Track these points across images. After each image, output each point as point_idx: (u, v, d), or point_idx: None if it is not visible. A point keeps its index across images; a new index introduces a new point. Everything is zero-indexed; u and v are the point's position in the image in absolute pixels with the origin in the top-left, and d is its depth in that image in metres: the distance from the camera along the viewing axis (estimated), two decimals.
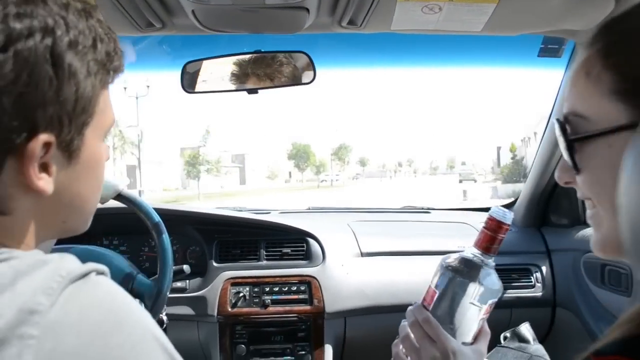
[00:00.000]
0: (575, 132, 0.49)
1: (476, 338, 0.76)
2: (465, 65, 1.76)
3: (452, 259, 0.74)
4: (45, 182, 0.46)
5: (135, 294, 1.20)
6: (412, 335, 0.75)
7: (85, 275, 0.44)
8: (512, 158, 36.00)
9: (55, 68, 0.44)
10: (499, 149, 54.94)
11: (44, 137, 0.45)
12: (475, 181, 45.77)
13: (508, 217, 0.70)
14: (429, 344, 0.72)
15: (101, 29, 0.50)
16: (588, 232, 1.56)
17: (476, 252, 0.72)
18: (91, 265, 0.46)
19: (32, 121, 0.44)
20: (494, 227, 0.70)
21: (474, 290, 0.71)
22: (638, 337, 0.39)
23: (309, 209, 2.25)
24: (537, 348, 1.24)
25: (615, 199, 0.44)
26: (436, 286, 0.75)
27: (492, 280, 0.72)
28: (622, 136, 0.45)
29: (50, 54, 0.44)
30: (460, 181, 46.07)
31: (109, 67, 0.51)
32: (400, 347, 0.78)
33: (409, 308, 0.78)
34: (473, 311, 0.73)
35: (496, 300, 0.74)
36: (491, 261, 0.72)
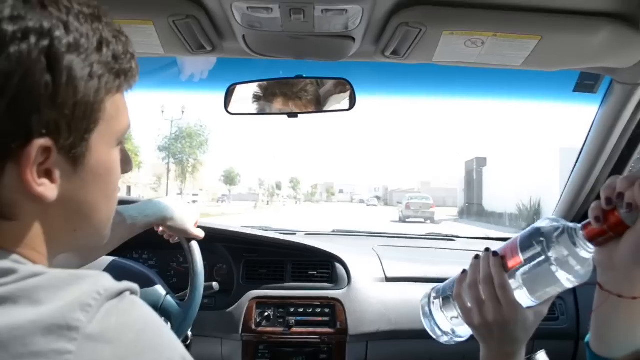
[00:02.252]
0: None
1: None
2: (496, 98, 1.77)
3: (550, 225, 0.70)
4: (46, 189, 0.45)
5: (163, 312, 1.22)
6: (480, 287, 0.73)
7: (120, 293, 0.45)
8: None
9: (51, 71, 0.43)
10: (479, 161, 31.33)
11: (40, 142, 0.44)
12: (434, 221, 25.18)
13: (630, 222, 0.64)
14: (495, 306, 0.71)
15: (109, 31, 0.49)
16: None
17: (580, 233, 0.68)
18: (126, 284, 0.46)
19: (27, 126, 0.43)
20: (613, 224, 0.65)
21: (563, 267, 0.67)
22: None
23: (334, 231, 2.27)
24: None
25: None
26: (521, 250, 0.70)
27: (584, 261, 0.67)
28: None
29: (46, 56, 0.43)
30: (405, 220, 25.25)
31: (117, 70, 0.49)
32: (465, 287, 0.75)
33: (485, 255, 0.74)
34: (553, 287, 0.70)
35: (580, 282, 0.68)
36: (590, 249, 0.67)
